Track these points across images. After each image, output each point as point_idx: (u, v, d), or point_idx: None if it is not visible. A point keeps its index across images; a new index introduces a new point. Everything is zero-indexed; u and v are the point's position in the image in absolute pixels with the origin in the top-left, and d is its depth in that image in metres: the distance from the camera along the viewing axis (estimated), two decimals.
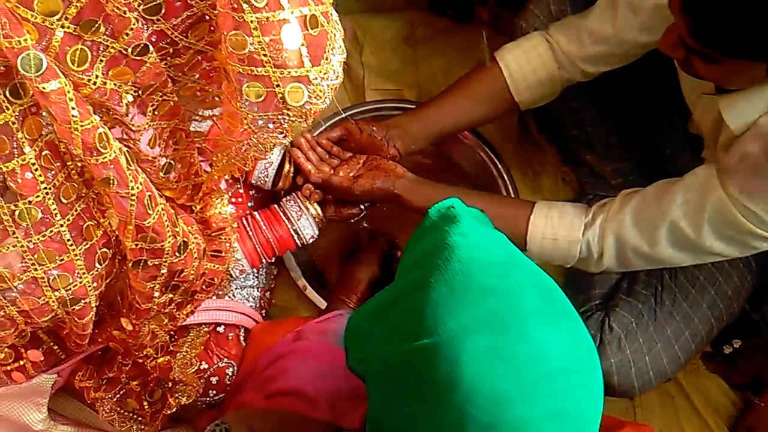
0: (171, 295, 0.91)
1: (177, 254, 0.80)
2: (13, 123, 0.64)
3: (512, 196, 1.47)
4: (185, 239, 0.81)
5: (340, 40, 0.68)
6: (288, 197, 1.23)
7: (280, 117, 0.68)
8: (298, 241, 1.22)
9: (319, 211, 1.22)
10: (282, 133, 0.70)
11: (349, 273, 1.35)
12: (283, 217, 1.21)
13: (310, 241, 1.24)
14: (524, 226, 1.16)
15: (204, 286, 0.98)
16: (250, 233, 1.19)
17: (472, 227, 0.62)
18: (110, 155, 0.65)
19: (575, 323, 0.60)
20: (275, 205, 1.23)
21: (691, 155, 1.35)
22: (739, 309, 1.33)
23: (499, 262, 0.60)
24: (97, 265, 0.77)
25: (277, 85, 0.66)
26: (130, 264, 0.79)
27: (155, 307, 0.88)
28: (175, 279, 0.87)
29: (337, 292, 1.33)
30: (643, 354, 1.25)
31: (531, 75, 1.24)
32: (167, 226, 0.76)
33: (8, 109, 0.63)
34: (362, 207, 1.24)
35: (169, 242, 0.78)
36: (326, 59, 0.67)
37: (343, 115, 1.35)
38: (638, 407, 1.39)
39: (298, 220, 1.21)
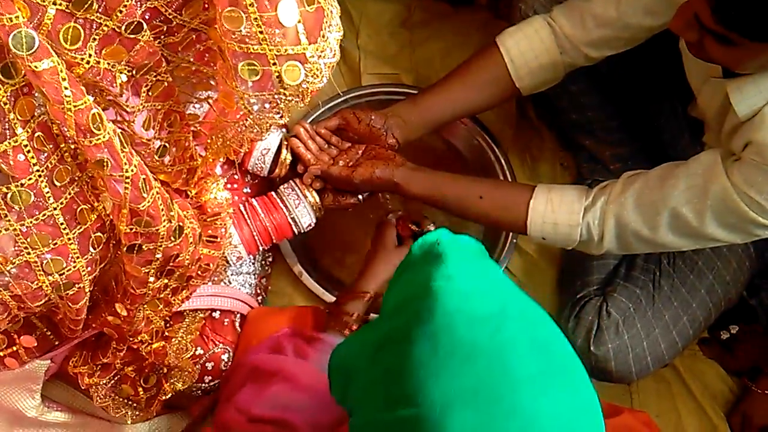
0: (166, 281, 0.90)
1: (172, 239, 0.79)
2: (5, 103, 0.62)
3: (509, 180, 1.46)
4: (180, 224, 0.80)
5: (336, 18, 0.67)
6: (286, 185, 1.23)
7: (276, 96, 0.67)
8: (295, 229, 1.22)
9: (317, 200, 1.21)
10: (278, 113, 0.68)
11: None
12: (281, 205, 1.20)
13: (308, 229, 1.23)
14: (524, 210, 1.16)
15: (199, 272, 0.97)
16: (248, 220, 1.19)
17: (460, 267, 0.55)
18: (104, 137, 0.64)
19: (576, 384, 0.53)
20: (273, 193, 1.22)
21: (691, 140, 1.35)
22: (737, 295, 1.33)
23: (489, 314, 0.53)
24: (91, 249, 0.76)
25: (273, 64, 0.65)
26: (125, 249, 0.77)
27: (150, 292, 0.87)
28: (171, 264, 0.86)
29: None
30: (640, 339, 1.25)
31: (533, 60, 1.22)
32: (162, 210, 0.75)
33: (0, 89, 0.61)
34: (360, 197, 1.23)
35: (164, 226, 0.77)
36: (323, 37, 0.65)
37: (343, 98, 1.33)
38: (635, 393, 1.39)
39: (296, 208, 1.20)
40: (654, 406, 1.38)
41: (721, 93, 1.00)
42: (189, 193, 0.95)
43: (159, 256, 0.81)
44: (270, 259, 1.37)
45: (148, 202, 0.72)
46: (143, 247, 0.78)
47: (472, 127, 1.50)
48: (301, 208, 1.20)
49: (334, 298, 1.32)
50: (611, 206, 1.10)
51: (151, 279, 0.85)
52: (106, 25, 0.63)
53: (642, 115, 1.43)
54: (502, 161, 1.48)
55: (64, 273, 0.74)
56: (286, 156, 1.21)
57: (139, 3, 0.65)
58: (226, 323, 1.21)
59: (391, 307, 0.59)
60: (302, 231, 1.22)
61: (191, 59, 0.75)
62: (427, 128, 1.28)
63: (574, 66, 1.24)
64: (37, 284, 0.74)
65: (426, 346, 0.51)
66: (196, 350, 1.15)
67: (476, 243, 0.60)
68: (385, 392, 0.53)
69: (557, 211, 1.14)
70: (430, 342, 0.51)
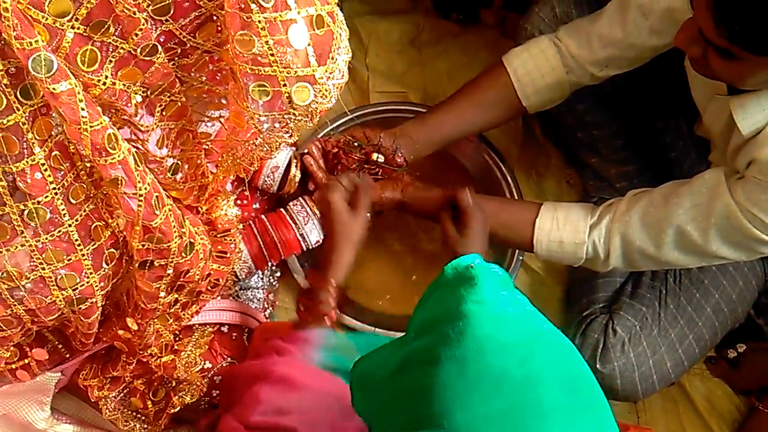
0: (176, 296, 0.91)
1: (183, 255, 0.81)
2: (24, 123, 0.64)
3: (515, 197, 1.47)
4: (191, 240, 0.81)
5: (345, 40, 0.69)
6: (295, 201, 1.24)
7: (286, 116, 0.68)
8: (303, 245, 1.23)
9: None
10: (288, 132, 0.70)
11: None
12: (290, 221, 1.22)
13: (316, 245, 1.24)
14: (531, 229, 1.17)
15: (209, 287, 0.98)
16: (257, 235, 1.20)
17: (491, 293, 0.55)
18: (119, 156, 0.66)
19: (601, 419, 0.53)
20: (282, 209, 1.24)
21: (697, 158, 1.35)
22: (743, 314, 1.33)
23: (518, 342, 0.53)
24: (105, 265, 0.78)
25: (284, 85, 0.67)
26: (137, 264, 0.79)
27: (160, 307, 0.89)
28: (181, 279, 0.87)
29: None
30: (646, 357, 1.25)
31: (539, 80, 1.24)
32: (174, 226, 0.76)
33: (19, 110, 0.63)
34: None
35: (175, 243, 0.78)
36: (332, 59, 0.67)
37: (350, 116, 1.35)
38: (641, 411, 1.39)
39: (305, 224, 1.21)
40: (661, 425, 1.37)
41: (726, 111, 1.01)
42: (200, 209, 0.97)
43: (170, 271, 0.83)
44: (278, 274, 1.38)
45: (161, 219, 0.74)
46: (155, 263, 0.79)
47: (479, 144, 1.50)
48: (309, 225, 1.21)
49: (344, 316, 1.32)
50: (616, 224, 1.11)
51: (162, 294, 0.87)
52: (122, 47, 0.65)
53: (647, 134, 1.43)
54: (509, 178, 1.48)
55: (77, 288, 0.76)
56: (295, 173, 1.23)
57: (154, 27, 0.66)
58: (234, 337, 1.22)
59: (420, 325, 0.59)
60: (310, 247, 1.24)
61: (204, 79, 0.77)
62: (435, 147, 1.30)
63: (580, 85, 1.26)
64: (50, 299, 0.75)
65: (453, 369, 0.51)
66: (204, 364, 1.16)
67: (506, 273, 0.61)
68: (409, 411, 0.53)
69: (563, 229, 1.15)
70: (458, 365, 0.51)
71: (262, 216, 1.23)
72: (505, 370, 0.51)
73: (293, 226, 1.21)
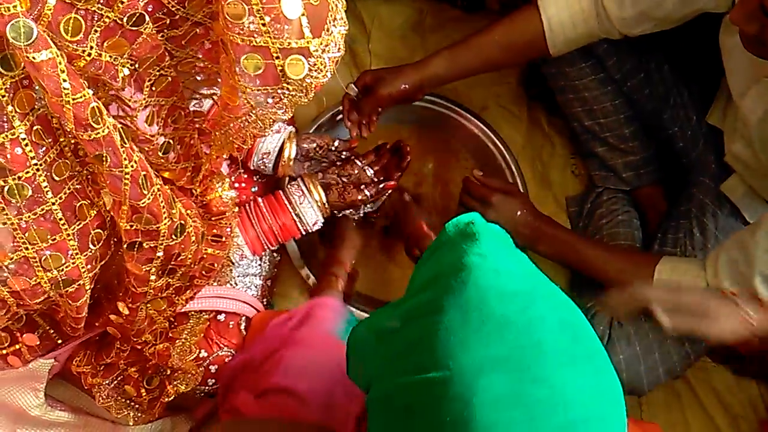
0: (168, 279, 0.89)
1: (173, 237, 0.78)
2: (3, 96, 0.62)
3: (520, 187, 1.45)
4: (182, 222, 0.79)
5: (342, 12, 0.66)
6: (293, 183, 1.21)
7: (279, 91, 0.65)
8: (301, 227, 1.20)
9: (323, 197, 1.19)
10: (282, 108, 0.67)
11: (338, 244, 1.33)
12: (287, 204, 1.19)
13: (315, 228, 1.21)
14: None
15: (203, 272, 0.95)
16: (253, 220, 1.17)
17: (492, 248, 0.57)
18: (103, 131, 0.63)
19: (600, 364, 0.55)
20: (280, 191, 1.21)
21: (705, 149, 1.33)
22: None
23: (520, 290, 0.55)
24: (91, 246, 0.75)
25: (277, 57, 0.64)
26: (126, 246, 0.76)
27: (151, 291, 0.86)
28: (172, 262, 0.85)
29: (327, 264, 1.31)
30: (652, 350, 1.23)
31: (571, 30, 1.22)
32: (163, 207, 0.74)
33: None
34: (367, 193, 1.22)
35: (165, 224, 0.76)
36: (327, 30, 0.64)
37: (352, 93, 1.33)
38: (645, 405, 1.36)
39: (300, 204, 1.18)
40: (664, 418, 1.35)
41: None
42: (194, 191, 0.94)
43: (160, 254, 0.80)
44: (278, 259, 1.36)
45: (149, 199, 0.71)
46: (144, 244, 0.77)
47: (483, 132, 1.48)
48: (305, 205, 1.18)
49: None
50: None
51: (153, 277, 0.84)
52: (107, 16, 0.62)
53: (655, 124, 1.41)
54: (513, 166, 1.46)
55: (63, 269, 0.73)
56: (288, 157, 1.20)
57: None
58: (231, 326, 1.19)
59: (420, 284, 0.60)
60: (309, 229, 1.21)
61: (197, 55, 0.74)
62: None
63: (608, 36, 1.24)
64: (35, 280, 0.73)
65: (457, 316, 0.53)
66: (200, 353, 1.13)
67: (505, 233, 0.62)
68: (413, 359, 0.54)
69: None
70: (461, 312, 0.53)
71: (258, 199, 1.20)
72: (507, 316, 0.53)
73: (290, 208, 1.18)
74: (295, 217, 1.19)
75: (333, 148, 1.22)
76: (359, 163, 1.24)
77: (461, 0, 1.61)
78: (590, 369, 0.54)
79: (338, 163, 1.26)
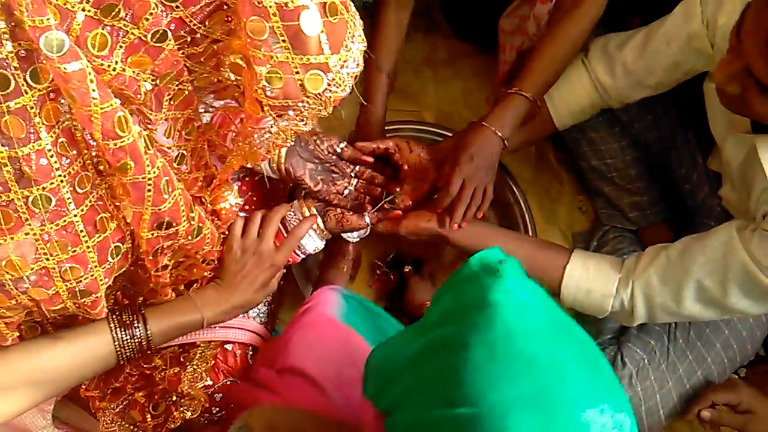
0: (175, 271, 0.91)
1: (189, 238, 0.81)
2: (32, 108, 0.63)
3: (528, 222, 1.47)
4: (201, 224, 0.81)
5: (360, 29, 0.68)
6: (288, 206, 1.17)
7: (300, 104, 0.68)
8: (299, 253, 1.19)
9: (320, 224, 1.16)
10: (303, 120, 0.69)
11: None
12: (282, 230, 1.17)
13: (313, 252, 1.20)
14: (560, 273, 1.16)
15: (203, 263, 0.97)
16: None
17: (516, 284, 0.58)
18: (128, 139, 0.65)
19: (621, 402, 0.56)
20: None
21: (710, 192, 1.35)
22: (753, 350, 1.31)
23: (544, 329, 0.56)
24: (110, 258, 0.77)
25: (297, 72, 0.66)
26: (150, 256, 0.78)
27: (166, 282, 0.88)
28: (183, 257, 0.87)
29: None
30: (654, 392, 1.24)
31: (574, 104, 1.27)
32: (183, 210, 0.76)
33: (27, 93, 0.62)
34: (367, 221, 1.21)
35: (183, 227, 0.78)
36: (346, 47, 0.67)
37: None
38: None
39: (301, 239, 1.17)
40: None
41: (745, 147, 1.00)
42: (204, 200, 0.96)
43: (175, 248, 0.82)
44: (281, 283, 1.35)
45: (169, 203, 0.73)
46: (164, 246, 0.78)
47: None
48: (305, 238, 1.16)
49: None
50: (637, 282, 1.11)
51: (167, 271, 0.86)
52: (132, 33, 0.64)
53: (662, 165, 1.43)
54: (521, 202, 1.48)
55: (81, 281, 0.75)
56: (279, 153, 1.14)
57: (164, 13, 0.66)
58: (237, 355, 1.19)
59: (441, 315, 0.61)
60: (308, 254, 1.20)
61: (211, 69, 0.76)
62: None
63: (610, 106, 1.28)
64: (54, 290, 0.74)
65: (483, 353, 0.54)
66: (205, 381, 1.13)
67: (521, 267, 0.63)
68: (442, 393, 0.55)
69: (593, 278, 1.15)
70: (488, 349, 0.54)
71: None
72: (534, 353, 0.54)
73: (284, 234, 1.15)
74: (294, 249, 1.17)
75: (339, 150, 1.17)
76: (343, 183, 1.21)
77: (475, 39, 1.65)
78: (611, 405, 0.54)
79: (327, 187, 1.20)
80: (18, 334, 0.80)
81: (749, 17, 0.83)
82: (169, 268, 0.83)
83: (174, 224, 0.75)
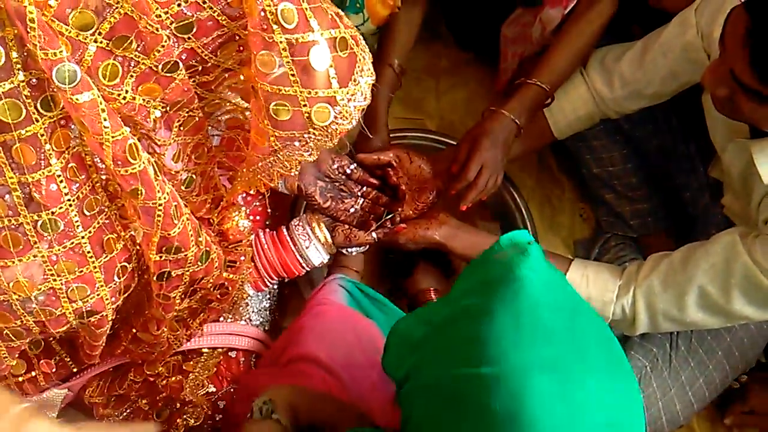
0: (188, 301, 0.91)
1: (199, 263, 0.82)
2: (42, 135, 0.64)
3: (529, 229, 1.47)
4: (208, 249, 0.82)
5: (369, 63, 0.69)
6: (297, 220, 1.20)
7: (306, 136, 0.68)
8: (305, 266, 1.20)
9: (328, 238, 1.18)
10: (308, 151, 0.70)
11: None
12: (290, 242, 1.18)
13: (319, 265, 1.22)
14: None
15: (219, 295, 0.97)
16: (254, 258, 1.16)
17: (542, 265, 0.62)
18: (139, 166, 0.66)
19: (630, 380, 0.61)
20: (284, 228, 1.20)
21: (711, 200, 1.36)
22: (754, 358, 1.31)
23: (566, 306, 0.61)
24: (116, 278, 0.77)
25: (304, 105, 0.67)
26: (155, 277, 0.79)
27: (176, 313, 0.88)
28: (195, 285, 0.88)
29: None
30: (656, 399, 1.24)
31: (571, 114, 1.28)
32: (191, 235, 0.76)
33: (38, 121, 0.63)
34: (374, 236, 1.22)
35: (192, 251, 0.78)
36: (354, 81, 0.67)
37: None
38: None
39: (307, 248, 1.18)
40: None
41: (746, 154, 1.01)
42: (212, 221, 0.96)
43: (186, 279, 0.83)
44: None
45: (179, 228, 0.74)
46: (172, 273, 0.79)
47: None
48: (311, 249, 1.17)
49: None
50: (639, 289, 1.12)
51: (177, 300, 0.86)
52: (143, 63, 0.65)
53: (663, 173, 1.44)
54: (523, 210, 1.48)
55: (88, 301, 0.75)
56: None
57: (176, 44, 0.67)
58: (241, 362, 1.20)
59: (468, 288, 0.66)
60: (313, 267, 1.21)
61: (222, 96, 0.77)
62: None
63: (608, 116, 1.29)
64: (60, 311, 0.75)
65: (509, 321, 0.58)
66: (209, 388, 1.14)
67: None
68: (467, 354, 0.59)
69: (592, 286, 1.16)
70: (513, 318, 0.58)
71: (262, 236, 1.19)
72: (555, 325, 0.58)
73: (292, 247, 1.17)
74: (299, 258, 1.19)
75: (349, 171, 1.20)
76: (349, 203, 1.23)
77: (477, 49, 1.65)
78: (622, 383, 0.60)
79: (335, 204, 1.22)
80: (15, 362, 0.81)
81: (729, 21, 0.86)
82: (179, 295, 0.83)
83: (183, 249, 0.75)
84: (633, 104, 1.24)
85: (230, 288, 0.98)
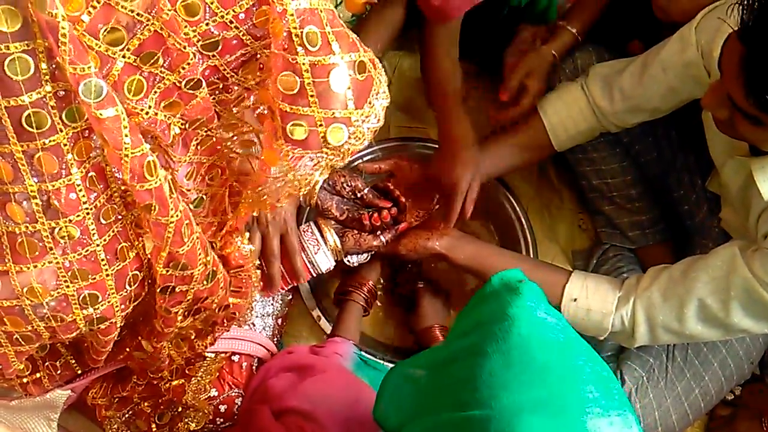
0: (192, 320, 0.92)
1: (205, 282, 0.82)
2: (65, 145, 0.65)
3: (528, 239, 1.49)
4: (215, 268, 0.83)
5: (384, 86, 0.71)
6: (305, 225, 1.23)
7: (319, 155, 0.70)
8: (313, 272, 1.22)
9: (338, 243, 1.21)
10: (318, 170, 0.72)
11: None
12: (300, 248, 1.21)
13: (326, 271, 1.23)
14: (559, 293, 1.18)
15: (225, 320, 0.98)
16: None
17: (534, 302, 0.62)
18: (155, 183, 0.67)
19: (629, 420, 0.59)
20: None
21: (709, 213, 1.38)
22: (749, 370, 1.33)
23: (558, 342, 0.60)
24: (127, 286, 0.79)
25: (320, 125, 0.68)
26: (159, 289, 0.80)
27: (177, 330, 0.89)
28: (198, 304, 0.88)
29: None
30: (652, 409, 1.25)
31: (572, 127, 1.29)
32: (200, 254, 0.77)
33: (62, 132, 0.64)
34: (383, 240, 1.25)
35: (198, 270, 0.79)
36: (369, 103, 0.69)
37: (372, 148, 1.37)
38: None
39: (315, 254, 1.20)
40: None
41: (744, 171, 1.02)
42: (215, 245, 0.97)
43: (189, 297, 0.83)
44: (289, 298, 1.38)
45: (188, 246, 0.75)
46: (176, 288, 0.80)
47: (494, 184, 1.52)
48: (320, 254, 1.20)
49: None
50: (639, 301, 1.13)
51: (179, 317, 0.87)
52: (168, 78, 0.66)
53: (661, 186, 1.46)
54: (522, 218, 1.50)
55: (99, 308, 0.76)
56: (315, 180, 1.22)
57: (201, 61, 0.68)
58: (244, 367, 1.21)
59: (464, 329, 0.65)
60: (321, 273, 1.23)
61: (241, 117, 0.78)
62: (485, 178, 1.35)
63: (608, 130, 1.31)
64: (71, 317, 0.76)
65: (500, 360, 0.58)
66: (211, 392, 1.15)
67: (541, 291, 0.67)
68: (454, 396, 0.59)
69: (591, 297, 1.17)
70: (504, 357, 0.58)
71: None
72: (548, 362, 0.57)
73: (302, 253, 1.20)
74: (308, 264, 1.21)
75: (359, 194, 1.24)
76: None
77: (480, 60, 1.67)
78: (620, 422, 0.57)
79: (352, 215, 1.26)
80: (22, 366, 0.81)
81: (725, 49, 0.88)
82: (182, 311, 0.84)
83: (190, 267, 0.76)
84: (633, 118, 1.26)
85: (236, 313, 0.99)
